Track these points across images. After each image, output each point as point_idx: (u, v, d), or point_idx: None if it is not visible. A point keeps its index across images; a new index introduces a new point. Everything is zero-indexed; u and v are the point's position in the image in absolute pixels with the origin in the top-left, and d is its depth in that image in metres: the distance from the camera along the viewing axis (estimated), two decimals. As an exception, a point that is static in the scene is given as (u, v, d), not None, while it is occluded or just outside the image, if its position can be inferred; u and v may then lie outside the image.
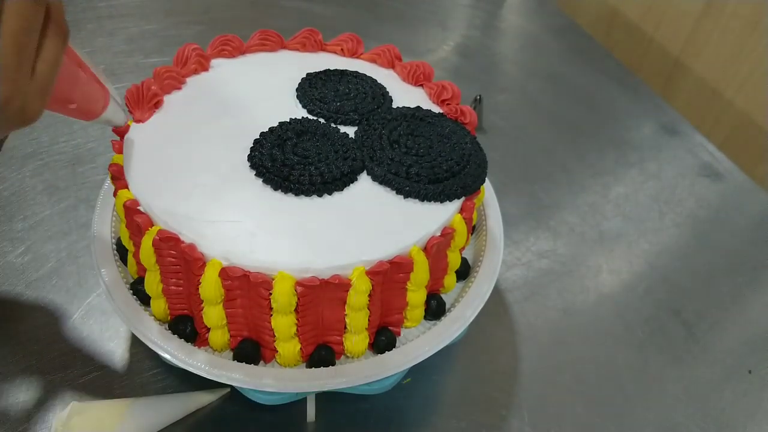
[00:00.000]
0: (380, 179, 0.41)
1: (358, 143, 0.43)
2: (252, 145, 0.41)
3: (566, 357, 0.51)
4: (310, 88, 0.47)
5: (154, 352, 0.38)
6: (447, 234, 0.39)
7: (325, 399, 0.44)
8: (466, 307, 0.42)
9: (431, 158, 0.42)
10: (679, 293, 0.58)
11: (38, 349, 0.46)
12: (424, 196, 0.40)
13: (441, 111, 0.48)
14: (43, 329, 0.47)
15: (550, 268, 0.59)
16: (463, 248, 0.45)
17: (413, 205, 0.40)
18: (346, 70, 0.49)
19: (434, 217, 0.39)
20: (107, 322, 0.48)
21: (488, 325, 0.52)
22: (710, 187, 0.71)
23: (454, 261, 0.43)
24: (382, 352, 0.40)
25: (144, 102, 0.43)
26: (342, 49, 0.53)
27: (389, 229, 0.38)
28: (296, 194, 0.39)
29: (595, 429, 0.47)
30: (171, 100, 0.45)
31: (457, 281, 0.46)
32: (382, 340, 0.40)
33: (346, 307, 0.37)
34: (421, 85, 0.50)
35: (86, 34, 0.79)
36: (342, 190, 0.40)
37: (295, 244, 0.36)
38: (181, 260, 0.37)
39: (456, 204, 0.41)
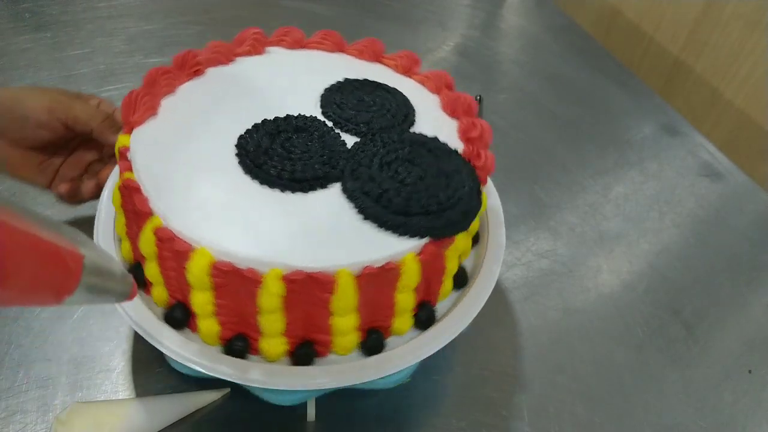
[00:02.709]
0: (348, 193, 0.39)
1: (350, 153, 0.41)
2: (249, 129, 0.41)
3: (566, 357, 0.51)
4: (338, 91, 0.46)
5: (155, 353, 0.38)
6: (387, 269, 0.36)
7: (325, 399, 0.44)
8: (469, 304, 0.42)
9: (414, 190, 0.38)
10: (679, 293, 0.58)
11: (38, 350, 0.46)
12: (382, 223, 0.37)
13: (459, 148, 0.43)
14: (43, 329, 0.47)
15: (550, 268, 0.59)
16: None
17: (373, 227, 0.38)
18: (380, 83, 0.48)
19: (390, 245, 0.37)
20: (107, 322, 0.48)
21: (488, 325, 0.52)
22: (710, 187, 0.71)
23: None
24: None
25: (186, 68, 0.45)
26: (397, 66, 0.51)
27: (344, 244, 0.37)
28: (261, 183, 0.39)
29: (595, 429, 0.47)
30: (209, 74, 0.47)
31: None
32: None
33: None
34: (457, 118, 0.47)
35: (86, 34, 0.79)
36: (306, 192, 0.39)
37: (268, 238, 0.36)
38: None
39: (422, 240, 0.38)
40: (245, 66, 0.49)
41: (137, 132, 0.41)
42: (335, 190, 0.39)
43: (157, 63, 0.45)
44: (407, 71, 0.51)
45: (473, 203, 0.40)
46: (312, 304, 0.37)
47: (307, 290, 0.36)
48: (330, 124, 0.43)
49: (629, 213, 0.66)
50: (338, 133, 0.43)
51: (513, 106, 0.79)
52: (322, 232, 0.37)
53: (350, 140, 0.42)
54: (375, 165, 0.40)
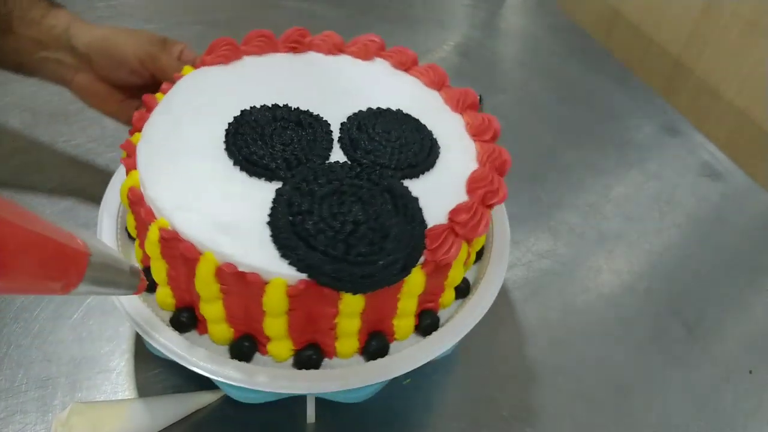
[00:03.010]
0: (276, 194, 0.37)
1: (320, 166, 0.39)
2: (263, 105, 0.42)
3: (566, 357, 0.51)
4: (376, 115, 0.44)
5: (154, 352, 0.38)
6: (246, 278, 0.34)
7: (326, 399, 0.44)
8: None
9: (335, 228, 0.35)
10: (679, 293, 0.58)
11: (37, 350, 0.46)
12: (274, 235, 0.35)
13: (432, 223, 0.38)
14: (42, 329, 0.47)
15: (550, 269, 0.59)
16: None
17: None
18: (425, 129, 0.44)
19: (269, 260, 0.35)
20: (107, 322, 0.48)
21: (488, 325, 0.52)
22: (711, 187, 0.71)
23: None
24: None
25: (287, 41, 0.49)
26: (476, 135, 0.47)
27: None
28: (225, 149, 0.40)
29: (595, 429, 0.47)
30: (305, 56, 0.49)
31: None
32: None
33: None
34: (469, 196, 0.41)
35: (86, 34, 0.79)
36: (250, 176, 0.38)
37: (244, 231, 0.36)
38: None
39: (299, 274, 0.35)
40: (339, 63, 0.50)
41: (200, 71, 0.46)
42: (274, 187, 0.38)
43: (157, 63, 0.46)
44: (478, 135, 0.46)
45: (381, 277, 0.35)
46: (185, 274, 0.37)
47: (179, 256, 0.36)
48: (336, 137, 0.42)
49: (629, 213, 0.66)
50: (331, 146, 0.41)
51: (513, 106, 0.79)
52: (226, 213, 0.36)
53: (339, 158, 0.40)
54: (328, 187, 0.37)
